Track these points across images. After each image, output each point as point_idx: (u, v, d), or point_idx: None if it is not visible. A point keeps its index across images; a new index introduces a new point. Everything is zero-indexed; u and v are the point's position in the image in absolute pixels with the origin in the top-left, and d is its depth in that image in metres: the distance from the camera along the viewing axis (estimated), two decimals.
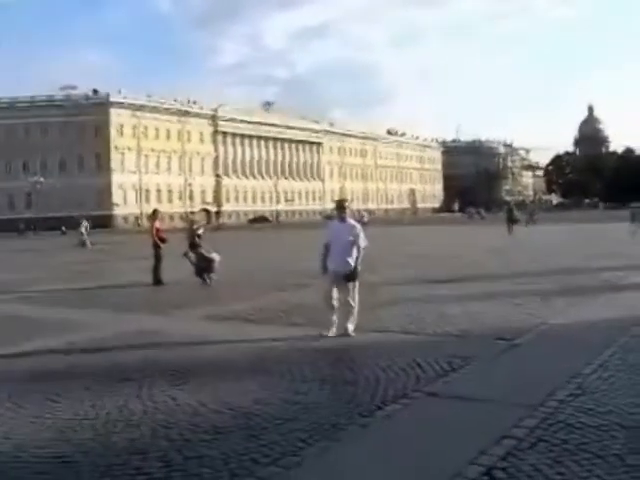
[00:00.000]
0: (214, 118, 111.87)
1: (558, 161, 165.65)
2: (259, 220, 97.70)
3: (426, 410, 5.29)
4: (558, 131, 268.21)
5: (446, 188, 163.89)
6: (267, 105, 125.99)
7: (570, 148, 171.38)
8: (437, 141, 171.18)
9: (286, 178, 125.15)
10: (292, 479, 3.98)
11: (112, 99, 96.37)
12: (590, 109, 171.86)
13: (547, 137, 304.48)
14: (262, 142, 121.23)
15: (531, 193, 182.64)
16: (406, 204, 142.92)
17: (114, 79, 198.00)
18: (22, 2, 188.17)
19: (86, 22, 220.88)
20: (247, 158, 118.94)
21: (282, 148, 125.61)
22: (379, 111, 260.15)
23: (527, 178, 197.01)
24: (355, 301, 8.44)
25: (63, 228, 62.19)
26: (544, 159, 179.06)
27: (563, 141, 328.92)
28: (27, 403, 5.66)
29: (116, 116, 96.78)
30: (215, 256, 15.90)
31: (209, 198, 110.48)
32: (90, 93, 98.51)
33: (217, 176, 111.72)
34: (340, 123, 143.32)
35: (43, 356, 7.67)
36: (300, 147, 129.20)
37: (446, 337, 8.10)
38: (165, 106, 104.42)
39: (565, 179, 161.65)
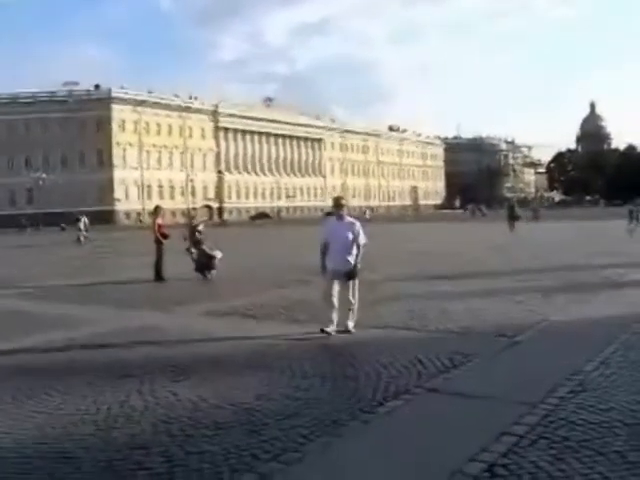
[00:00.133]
0: (215, 114, 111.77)
1: (560, 158, 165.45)
2: (260, 216, 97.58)
3: (427, 406, 5.29)
4: (560, 128, 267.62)
5: (448, 185, 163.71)
6: (268, 101, 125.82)
7: (572, 145, 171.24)
8: (439, 138, 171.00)
9: (288, 174, 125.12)
10: (293, 475, 3.98)
11: (114, 94, 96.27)
12: (592, 106, 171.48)
13: (549, 134, 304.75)
14: (264, 138, 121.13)
15: (533, 190, 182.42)
16: (408, 201, 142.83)
17: (115, 75, 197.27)
18: None
19: (86, 18, 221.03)
20: (249, 154, 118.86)
21: (284, 144, 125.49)
22: (379, 108, 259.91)
23: (529, 175, 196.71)
24: (355, 298, 8.41)
25: (62, 224, 62.21)
26: (546, 156, 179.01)
27: (565, 138, 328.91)
28: (28, 398, 5.67)
29: (118, 112, 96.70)
30: (217, 253, 15.93)
31: (211, 194, 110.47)
32: (92, 89, 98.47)
33: (219, 172, 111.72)
34: (341, 120, 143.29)
35: (44, 351, 7.68)
36: (302, 143, 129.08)
37: (447, 334, 8.10)
38: (166, 102, 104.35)
39: (567, 176, 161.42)
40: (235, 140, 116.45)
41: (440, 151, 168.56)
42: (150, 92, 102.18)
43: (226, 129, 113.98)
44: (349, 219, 8.63)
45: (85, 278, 16.46)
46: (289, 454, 4.22)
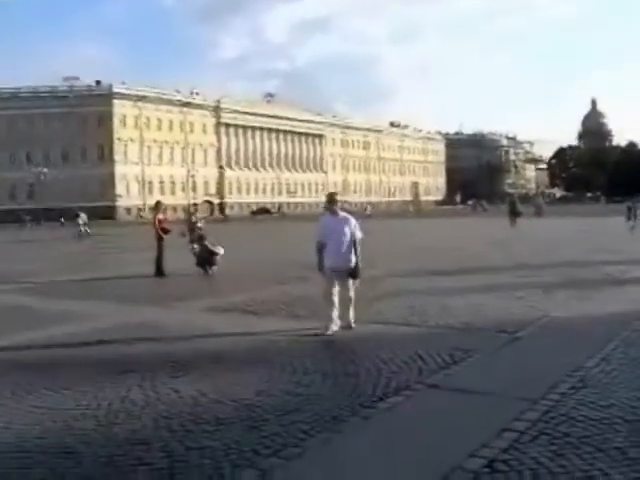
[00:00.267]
0: (216, 109, 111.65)
1: (561, 154, 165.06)
2: (261, 212, 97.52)
3: (427, 402, 5.29)
4: (561, 125, 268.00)
5: (449, 181, 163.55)
6: (269, 96, 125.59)
7: (573, 142, 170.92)
8: (440, 134, 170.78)
9: (289, 170, 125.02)
10: (293, 470, 3.98)
11: (115, 90, 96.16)
12: (593, 103, 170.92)
13: (550, 131, 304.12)
14: (265, 134, 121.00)
15: (534, 186, 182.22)
16: (409, 197, 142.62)
17: (116, 73, 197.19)
18: None
19: (87, 16, 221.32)
20: (250, 150, 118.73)
21: (285, 140, 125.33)
22: (380, 106, 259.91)
23: (530, 171, 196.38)
24: (354, 295, 8.35)
25: (62, 219, 62.23)
26: (547, 153, 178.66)
27: (566, 135, 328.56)
28: (29, 393, 5.68)
29: (119, 107, 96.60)
30: (219, 249, 15.95)
31: (212, 190, 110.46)
32: (93, 84, 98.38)
33: (220, 168, 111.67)
34: (342, 116, 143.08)
35: (44, 346, 7.69)
36: (303, 139, 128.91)
37: (448, 329, 8.09)
38: (168, 97, 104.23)
39: (568, 173, 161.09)
40: (236, 136, 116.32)
41: (441, 147, 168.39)
42: (151, 87, 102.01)
43: (227, 125, 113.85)
44: (343, 214, 8.51)
45: (86, 273, 16.47)
46: (289, 450, 4.22)
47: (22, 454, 4.31)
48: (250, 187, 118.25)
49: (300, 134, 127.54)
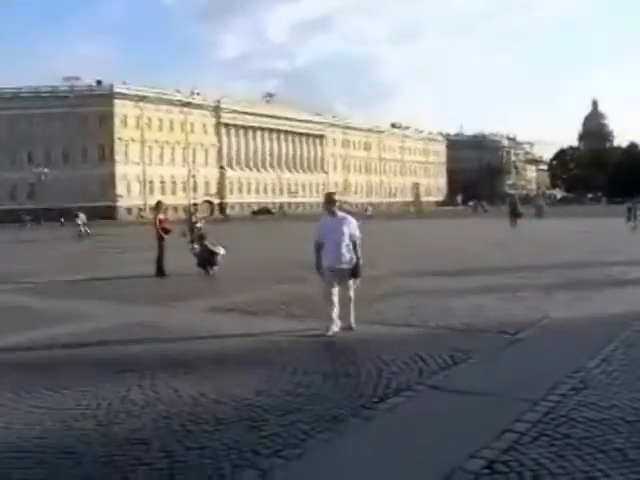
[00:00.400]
0: (217, 110, 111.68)
1: (562, 155, 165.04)
2: (262, 212, 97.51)
3: (428, 403, 5.28)
4: (561, 126, 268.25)
5: (450, 182, 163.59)
6: (268, 96, 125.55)
7: (574, 143, 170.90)
8: (441, 134, 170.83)
9: (290, 170, 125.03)
10: (294, 471, 3.97)
11: (116, 90, 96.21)
12: (594, 104, 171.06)
13: (550, 132, 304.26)
14: (266, 134, 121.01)
15: (534, 187, 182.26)
16: (409, 197, 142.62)
17: (116, 72, 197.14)
18: None
19: (87, 14, 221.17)
20: (251, 150, 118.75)
21: (286, 140, 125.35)
22: (380, 106, 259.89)
23: (531, 172, 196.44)
24: (354, 294, 8.32)
25: (62, 220, 62.27)
26: (548, 154, 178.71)
27: (567, 136, 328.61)
28: (28, 393, 5.67)
29: (120, 107, 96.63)
30: (220, 249, 15.96)
31: (213, 190, 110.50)
32: (94, 84, 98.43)
33: (221, 168, 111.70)
34: (343, 116, 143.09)
35: (45, 346, 7.68)
36: (304, 139, 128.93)
37: (448, 330, 8.08)
38: (168, 97, 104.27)
39: (569, 174, 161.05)
40: (237, 136, 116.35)
41: (442, 148, 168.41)
42: (152, 88, 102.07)
43: (228, 125, 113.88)
44: (342, 214, 8.46)
45: (86, 273, 16.46)
46: (290, 450, 4.22)
47: (22, 454, 4.30)
48: (251, 187, 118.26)
49: (301, 134, 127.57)
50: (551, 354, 6.75)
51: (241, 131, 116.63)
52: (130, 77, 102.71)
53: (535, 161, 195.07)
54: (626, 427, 4.44)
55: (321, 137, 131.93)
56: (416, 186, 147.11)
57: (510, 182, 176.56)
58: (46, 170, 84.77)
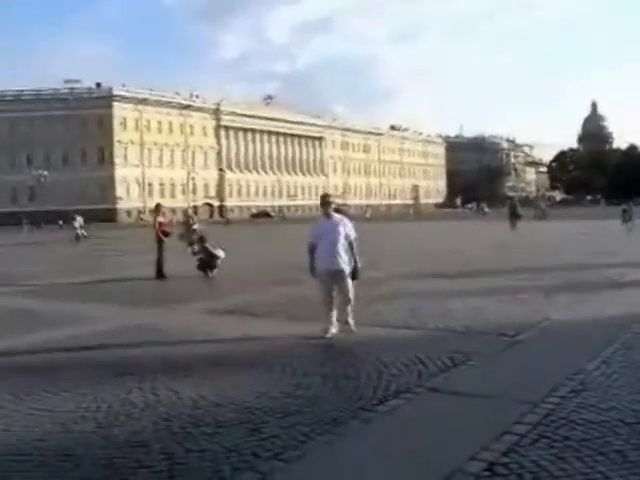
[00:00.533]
0: (217, 112, 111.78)
1: (562, 157, 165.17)
2: (261, 215, 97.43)
3: (428, 405, 5.28)
4: (561, 127, 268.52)
5: (449, 184, 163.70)
6: (268, 99, 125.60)
7: (574, 145, 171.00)
8: (440, 137, 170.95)
9: (289, 173, 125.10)
10: (293, 473, 3.97)
11: (115, 92, 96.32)
12: (594, 106, 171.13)
13: (550, 134, 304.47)
14: (265, 137, 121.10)
15: (534, 189, 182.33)
16: (409, 200, 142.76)
17: (116, 73, 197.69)
18: None
19: (87, 15, 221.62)
20: (250, 153, 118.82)
21: (285, 143, 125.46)
22: (380, 107, 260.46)
23: (530, 174, 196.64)
24: (352, 296, 8.23)
25: (60, 222, 62.28)
26: (547, 156, 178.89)
27: (566, 138, 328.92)
28: (28, 395, 5.67)
29: (119, 109, 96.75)
30: (220, 252, 15.98)
31: (212, 192, 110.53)
32: (93, 86, 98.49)
33: (220, 170, 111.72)
34: (342, 119, 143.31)
35: (45, 349, 7.68)
36: (303, 142, 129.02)
37: (448, 332, 8.08)
38: (168, 100, 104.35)
39: (568, 176, 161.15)
40: (236, 138, 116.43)
41: (441, 150, 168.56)
42: (151, 90, 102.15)
43: (227, 127, 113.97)
44: (337, 216, 8.38)
45: (86, 276, 16.47)
46: (289, 452, 4.21)
47: (21, 456, 4.30)
48: (250, 190, 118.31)
49: (300, 137, 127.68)
50: (551, 356, 6.75)
51: (240, 133, 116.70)
52: (130, 78, 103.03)
53: (535, 163, 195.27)
54: (626, 429, 4.44)
55: (320, 139, 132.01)
56: (415, 188, 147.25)
57: (510, 184, 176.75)
58: (45, 173, 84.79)
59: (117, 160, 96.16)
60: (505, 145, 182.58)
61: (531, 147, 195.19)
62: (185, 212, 38.90)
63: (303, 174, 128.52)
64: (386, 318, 9.13)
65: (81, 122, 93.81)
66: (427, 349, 7.00)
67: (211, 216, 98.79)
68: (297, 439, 4.44)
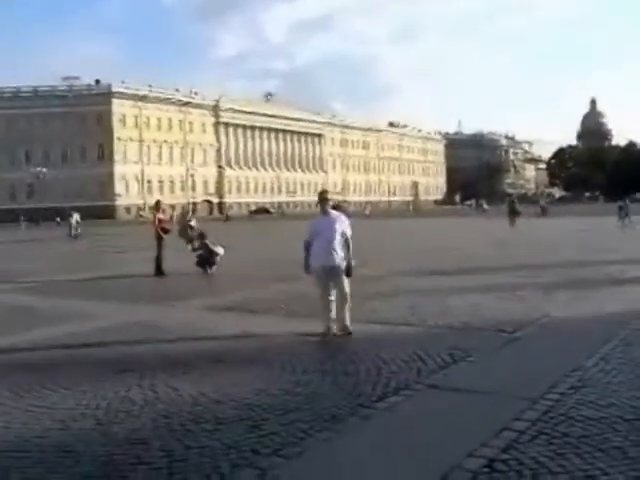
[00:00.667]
0: (216, 109, 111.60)
1: (561, 154, 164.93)
2: (260, 212, 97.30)
3: (427, 402, 5.29)
4: (560, 125, 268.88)
5: (448, 181, 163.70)
6: (268, 96, 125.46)
7: (573, 142, 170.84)
8: (440, 133, 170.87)
9: (288, 170, 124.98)
10: (293, 470, 3.98)
11: (114, 89, 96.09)
12: (593, 103, 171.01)
13: (549, 131, 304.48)
14: (264, 133, 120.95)
15: (533, 186, 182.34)
16: (408, 196, 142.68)
17: (115, 71, 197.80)
18: None
19: (87, 13, 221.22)
20: (249, 149, 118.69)
21: (284, 139, 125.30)
22: (379, 105, 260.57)
23: (529, 171, 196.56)
24: (349, 294, 8.20)
25: (58, 219, 62.21)
26: (546, 153, 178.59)
27: (565, 135, 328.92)
28: (28, 392, 5.67)
29: (118, 106, 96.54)
30: (219, 249, 15.99)
31: (211, 189, 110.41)
32: (92, 83, 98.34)
33: (219, 167, 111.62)
34: (341, 116, 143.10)
35: (44, 346, 7.68)
36: (302, 139, 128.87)
37: (447, 329, 8.09)
38: (167, 96, 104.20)
39: (567, 172, 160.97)
40: (235, 135, 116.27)
41: (441, 147, 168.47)
42: (151, 87, 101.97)
43: (226, 124, 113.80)
44: (335, 213, 8.38)
45: (86, 273, 16.46)
46: (289, 449, 4.22)
47: (21, 453, 4.31)
48: (249, 187, 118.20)
49: (299, 133, 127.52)
50: (550, 353, 6.75)
51: (240, 130, 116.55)
52: (129, 76, 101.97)
53: (534, 160, 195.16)
54: (624, 425, 4.45)
55: (319, 136, 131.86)
56: (415, 185, 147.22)
57: (509, 181, 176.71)
58: (44, 170, 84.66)
59: (116, 157, 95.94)
60: (504, 142, 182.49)
61: (530, 144, 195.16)
62: (182, 209, 38.93)
63: (302, 171, 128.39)
64: (385, 315, 9.13)
65: (80, 119, 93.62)
66: (426, 346, 7.00)
67: (210, 213, 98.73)
68: (296, 436, 4.45)
